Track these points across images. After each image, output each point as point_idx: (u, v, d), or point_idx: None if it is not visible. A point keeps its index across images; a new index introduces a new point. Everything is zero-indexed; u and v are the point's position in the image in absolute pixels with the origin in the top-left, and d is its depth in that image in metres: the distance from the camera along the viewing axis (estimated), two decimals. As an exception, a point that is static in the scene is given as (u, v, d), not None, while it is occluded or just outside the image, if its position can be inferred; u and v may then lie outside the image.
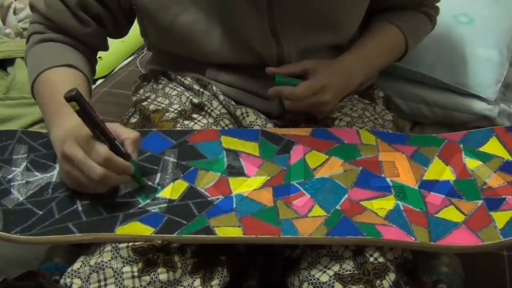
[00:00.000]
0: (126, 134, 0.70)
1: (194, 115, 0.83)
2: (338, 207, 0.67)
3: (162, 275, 0.64)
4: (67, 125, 0.70)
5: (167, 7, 0.80)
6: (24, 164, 0.75)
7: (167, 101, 0.86)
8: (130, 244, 0.64)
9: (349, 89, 0.86)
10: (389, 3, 0.92)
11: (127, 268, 0.63)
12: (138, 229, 0.65)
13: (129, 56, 1.69)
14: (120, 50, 1.67)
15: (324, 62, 0.82)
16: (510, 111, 1.09)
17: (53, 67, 0.79)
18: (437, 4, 0.96)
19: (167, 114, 0.83)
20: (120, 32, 0.90)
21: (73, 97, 0.62)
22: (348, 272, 0.64)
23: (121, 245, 0.64)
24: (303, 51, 0.83)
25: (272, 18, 0.79)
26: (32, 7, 0.86)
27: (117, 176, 0.66)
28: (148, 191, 0.70)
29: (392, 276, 0.64)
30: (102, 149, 0.65)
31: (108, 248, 0.65)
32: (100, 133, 0.66)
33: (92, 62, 0.89)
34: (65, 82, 0.76)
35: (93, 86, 1.46)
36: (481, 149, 0.77)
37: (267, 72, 0.81)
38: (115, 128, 0.69)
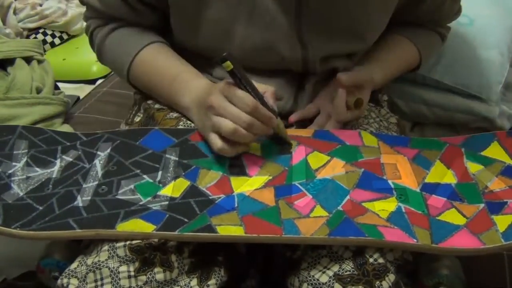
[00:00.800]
0: (263, 88, 0.73)
1: None
2: (340, 208, 0.67)
3: (159, 274, 0.63)
4: (199, 85, 0.77)
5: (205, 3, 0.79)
6: (24, 159, 0.75)
7: None
8: (127, 243, 0.63)
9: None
10: (408, 18, 0.93)
11: (123, 268, 0.63)
12: (139, 226, 0.65)
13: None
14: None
15: (370, 80, 0.84)
16: (510, 112, 1.09)
17: (141, 48, 0.83)
18: None
19: (171, 113, 0.83)
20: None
21: (225, 58, 0.68)
22: (348, 273, 0.64)
23: (118, 244, 0.64)
24: (326, 57, 0.84)
25: (299, 23, 0.79)
26: (86, 3, 0.87)
27: (263, 125, 0.69)
28: (150, 188, 0.70)
29: (392, 277, 0.64)
30: (249, 98, 0.68)
31: (105, 247, 0.64)
32: (251, 89, 0.70)
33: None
34: (164, 54, 0.84)
35: (93, 86, 1.46)
36: (482, 153, 0.77)
37: (339, 78, 0.80)
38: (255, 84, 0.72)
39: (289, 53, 0.81)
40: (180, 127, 0.80)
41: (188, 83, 0.79)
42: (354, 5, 0.78)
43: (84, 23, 0.92)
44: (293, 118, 0.85)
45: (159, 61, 0.83)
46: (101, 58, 0.91)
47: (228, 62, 0.68)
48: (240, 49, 0.80)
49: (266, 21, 0.78)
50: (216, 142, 0.70)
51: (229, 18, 0.79)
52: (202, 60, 0.87)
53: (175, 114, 0.83)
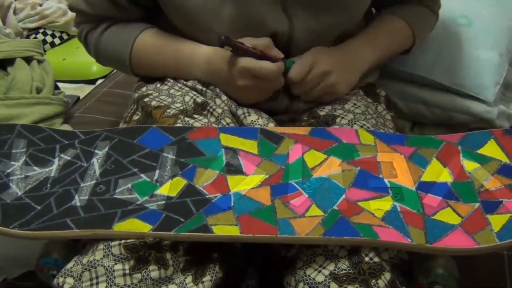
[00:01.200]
0: (260, 42, 0.81)
1: (196, 115, 0.83)
2: (335, 207, 0.67)
3: (154, 272, 0.63)
4: (204, 58, 0.86)
5: None
6: (23, 158, 0.75)
7: (169, 99, 0.87)
8: (122, 241, 0.64)
9: (359, 64, 0.90)
10: None
11: (118, 266, 0.63)
12: (135, 226, 0.65)
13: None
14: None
15: (322, 49, 0.86)
16: (510, 112, 1.09)
17: (137, 36, 0.88)
18: None
19: (168, 110, 0.84)
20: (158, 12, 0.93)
21: (224, 43, 0.77)
22: (344, 272, 0.64)
23: (113, 243, 0.64)
24: (312, 33, 0.84)
25: None
26: (73, 8, 0.91)
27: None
28: (147, 187, 0.70)
29: (387, 275, 0.65)
30: (268, 63, 0.80)
31: (101, 246, 0.65)
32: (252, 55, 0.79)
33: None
34: (159, 36, 0.89)
35: (93, 86, 1.47)
36: (479, 151, 0.77)
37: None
38: (253, 42, 0.81)
39: (275, 25, 0.83)
40: (178, 125, 0.81)
41: (192, 58, 0.87)
42: None
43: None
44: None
45: (156, 42, 0.89)
46: (99, 59, 0.94)
47: (227, 47, 0.78)
48: (230, 29, 0.82)
49: None
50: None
51: (208, 8, 0.82)
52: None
53: (172, 111, 0.83)
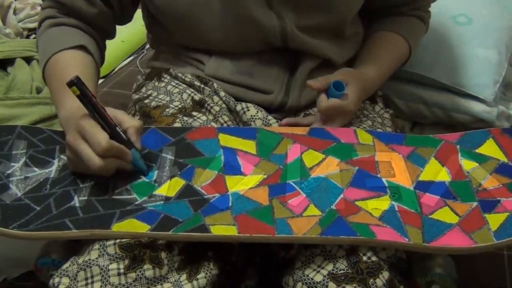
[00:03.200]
0: (129, 122, 0.72)
1: (194, 113, 0.83)
2: (333, 206, 0.68)
3: (148, 271, 0.64)
4: (70, 106, 0.74)
5: None
6: (23, 159, 0.76)
7: (168, 98, 0.87)
8: (117, 241, 0.64)
9: (366, 97, 0.89)
10: (386, 3, 0.94)
11: (113, 265, 0.63)
12: (134, 226, 0.65)
13: (129, 56, 1.70)
14: (120, 50, 1.68)
15: (354, 76, 0.84)
16: (509, 112, 1.09)
17: (63, 49, 0.81)
18: (434, 4, 0.98)
19: (167, 109, 0.84)
20: (125, 15, 0.91)
21: (73, 83, 0.66)
22: (342, 271, 0.64)
23: (108, 242, 0.64)
24: (304, 29, 0.84)
25: None
26: None
27: (117, 161, 0.69)
28: (145, 188, 0.71)
29: (385, 274, 0.65)
30: (102, 137, 0.67)
31: (96, 246, 0.65)
32: (101, 120, 0.68)
33: (101, 47, 0.90)
34: (73, 63, 0.80)
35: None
36: (477, 150, 0.77)
37: (308, 85, 0.81)
38: (119, 115, 0.72)
39: (264, 21, 0.82)
40: (176, 124, 0.81)
41: (65, 95, 0.75)
42: None
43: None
44: (284, 122, 0.85)
45: (66, 66, 0.80)
46: (37, 47, 0.90)
47: (75, 88, 0.66)
48: (220, 23, 0.82)
49: None
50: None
51: (198, 10, 0.82)
52: (191, 56, 0.90)
53: (171, 111, 0.84)
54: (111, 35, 0.94)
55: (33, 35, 1.71)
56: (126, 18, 0.93)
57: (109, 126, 0.68)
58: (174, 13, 0.84)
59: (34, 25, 1.73)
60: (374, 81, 0.89)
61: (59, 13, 0.86)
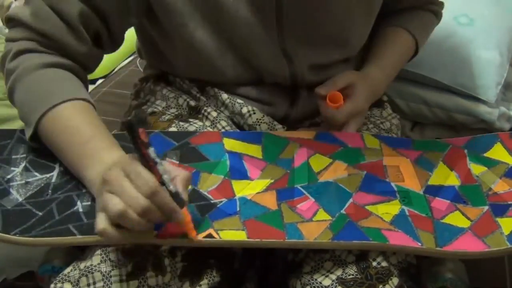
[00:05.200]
0: (177, 171, 0.60)
1: (190, 119, 0.82)
2: (343, 211, 0.67)
3: (151, 279, 0.62)
4: (111, 159, 0.63)
5: (185, 24, 0.76)
6: (23, 164, 0.74)
7: (164, 104, 0.86)
8: (120, 246, 0.63)
9: (374, 100, 0.88)
10: (399, 6, 0.93)
11: (115, 272, 0.62)
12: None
13: (129, 56, 1.69)
14: (120, 50, 1.66)
15: (360, 77, 0.83)
16: (510, 114, 1.09)
17: (65, 101, 0.69)
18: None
19: (163, 116, 0.83)
20: (113, 49, 0.81)
21: (129, 124, 0.56)
22: (351, 277, 0.63)
23: (110, 248, 0.63)
24: (314, 67, 0.83)
25: (282, 37, 0.78)
26: (13, 20, 0.73)
27: (161, 214, 0.57)
28: None
29: (395, 280, 0.64)
30: (151, 179, 0.56)
31: (98, 251, 0.64)
32: (151, 167, 0.57)
33: (87, 85, 0.79)
34: (83, 114, 0.69)
35: (93, 86, 1.46)
36: (485, 154, 0.77)
37: (317, 92, 0.80)
38: (165, 164, 0.60)
39: (275, 69, 0.81)
40: (172, 129, 0.80)
41: (100, 151, 0.65)
42: (337, 11, 0.77)
43: None
44: (323, 91, 0.80)
45: (75, 120, 0.68)
46: (10, 93, 0.76)
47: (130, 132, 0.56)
48: (231, 67, 0.80)
49: (248, 36, 0.77)
50: (100, 221, 0.57)
51: (215, 37, 0.77)
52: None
53: (167, 117, 0.82)
54: (92, 71, 0.81)
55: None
56: (114, 50, 0.82)
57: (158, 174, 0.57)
58: (189, 55, 0.80)
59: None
60: (381, 81, 0.88)
61: (41, 46, 0.72)
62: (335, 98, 0.79)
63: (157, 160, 0.57)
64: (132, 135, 0.56)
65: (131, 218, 0.55)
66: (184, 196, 0.59)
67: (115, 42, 0.79)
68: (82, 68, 0.76)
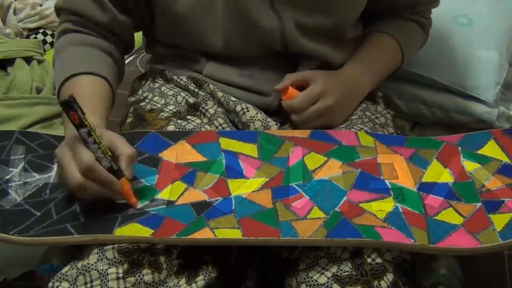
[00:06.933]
0: (123, 149, 0.68)
1: (189, 116, 0.83)
2: (337, 209, 0.67)
3: (147, 276, 0.63)
4: (70, 129, 0.70)
5: None
6: (21, 164, 0.75)
7: (163, 101, 0.87)
8: (116, 245, 0.64)
9: (358, 96, 0.88)
10: (385, 4, 0.93)
11: (112, 270, 0.63)
12: (137, 230, 0.65)
13: (129, 56, 1.69)
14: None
15: (321, 71, 0.85)
16: (510, 113, 1.09)
17: (82, 73, 0.79)
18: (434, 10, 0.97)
19: (161, 113, 0.84)
20: (141, 11, 0.87)
21: (65, 103, 0.64)
22: (346, 273, 0.64)
23: (107, 247, 0.64)
24: (304, 30, 0.84)
25: None
26: (55, 9, 0.87)
27: (99, 188, 0.65)
28: (147, 192, 0.70)
29: (390, 276, 0.64)
30: (87, 156, 0.64)
31: (95, 250, 0.64)
32: (93, 142, 0.65)
33: (120, 65, 0.88)
34: (89, 93, 0.77)
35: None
36: (479, 151, 0.77)
37: (275, 90, 0.83)
38: (115, 141, 0.69)
39: (265, 22, 0.82)
40: (170, 127, 0.80)
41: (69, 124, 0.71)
42: None
43: None
44: (278, 86, 0.84)
45: (81, 90, 0.76)
46: (53, 61, 0.87)
47: (67, 109, 0.64)
48: (222, 26, 0.82)
49: None
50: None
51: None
52: (190, 59, 0.89)
53: (165, 115, 0.83)
54: (129, 48, 0.92)
55: (33, 35, 1.71)
56: (143, 23, 0.90)
57: (94, 151, 0.65)
58: (177, 14, 0.83)
59: (34, 25, 1.72)
60: (359, 74, 0.88)
61: (75, 25, 0.84)
62: (291, 95, 0.82)
63: (89, 139, 0.65)
64: (76, 110, 0.64)
65: (73, 192, 0.66)
66: (128, 172, 0.67)
67: (140, 10, 0.86)
68: (112, 40, 0.86)
